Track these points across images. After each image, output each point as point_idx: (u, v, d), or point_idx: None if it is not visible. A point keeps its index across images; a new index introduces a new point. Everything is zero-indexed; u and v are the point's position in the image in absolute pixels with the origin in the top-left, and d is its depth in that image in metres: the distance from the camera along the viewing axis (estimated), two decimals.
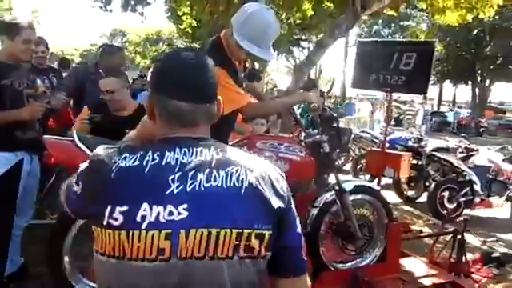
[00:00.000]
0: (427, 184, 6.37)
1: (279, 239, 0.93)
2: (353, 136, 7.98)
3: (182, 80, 0.94)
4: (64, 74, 3.96)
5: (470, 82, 26.38)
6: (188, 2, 9.32)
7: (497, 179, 6.08)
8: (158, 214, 0.84)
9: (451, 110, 24.09)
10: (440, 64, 24.40)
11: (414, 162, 6.09)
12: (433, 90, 30.11)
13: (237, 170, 0.90)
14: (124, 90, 2.77)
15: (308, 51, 13.45)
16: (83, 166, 0.95)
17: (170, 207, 0.85)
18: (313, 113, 2.54)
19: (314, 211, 2.72)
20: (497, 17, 17.67)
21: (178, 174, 0.87)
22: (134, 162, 0.89)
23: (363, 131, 8.63)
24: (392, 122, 10.90)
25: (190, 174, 0.88)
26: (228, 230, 0.86)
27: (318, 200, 2.75)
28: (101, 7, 8.71)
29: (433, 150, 6.47)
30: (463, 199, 5.79)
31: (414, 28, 24.11)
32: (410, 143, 6.61)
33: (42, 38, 3.77)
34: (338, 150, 2.84)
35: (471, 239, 4.50)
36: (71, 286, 2.16)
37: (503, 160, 6.42)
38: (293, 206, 0.98)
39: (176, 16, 13.16)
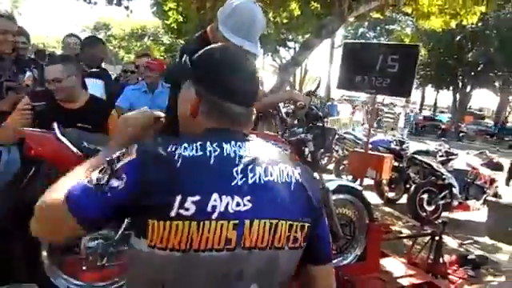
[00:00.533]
0: (407, 186, 6.48)
1: (314, 229, 0.99)
2: (336, 137, 8.08)
3: (238, 85, 0.96)
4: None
5: (451, 88, 26.92)
6: None
7: (474, 183, 6.23)
8: (227, 204, 0.86)
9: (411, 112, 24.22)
10: (423, 68, 24.82)
11: (396, 164, 6.19)
12: (415, 94, 30.66)
13: (285, 167, 0.96)
14: (72, 78, 2.48)
15: (294, 51, 13.50)
16: (128, 158, 0.88)
17: (237, 198, 0.87)
18: (299, 111, 2.55)
19: None
20: (480, 24, 18.05)
21: (240, 167, 0.90)
22: (196, 152, 0.88)
23: (346, 132, 8.72)
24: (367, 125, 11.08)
25: (250, 168, 0.91)
26: (284, 222, 0.91)
27: None
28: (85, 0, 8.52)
29: (414, 153, 6.59)
30: (442, 202, 5.91)
31: (399, 32, 24.47)
32: (392, 145, 6.71)
33: (22, 29, 3.68)
34: (322, 150, 2.85)
35: (448, 241, 4.61)
36: (49, 280, 2.12)
37: (481, 164, 6.59)
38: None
39: (162, 11, 12.98)
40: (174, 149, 0.88)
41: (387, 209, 6.25)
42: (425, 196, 5.86)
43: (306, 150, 2.81)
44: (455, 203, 5.98)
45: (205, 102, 0.96)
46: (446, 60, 24.25)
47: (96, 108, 2.61)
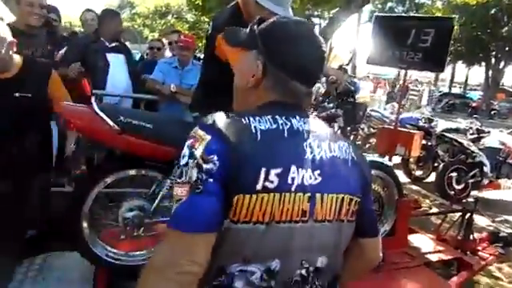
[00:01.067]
0: (436, 164, 6.38)
1: (364, 203, 1.01)
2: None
3: (308, 65, 0.96)
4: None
5: (483, 64, 25.87)
6: None
7: (506, 161, 6.07)
8: (303, 177, 0.88)
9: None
10: (453, 44, 23.89)
11: (424, 142, 6.07)
12: (445, 71, 29.65)
13: (343, 144, 0.99)
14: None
15: (319, 28, 13.22)
16: (203, 142, 0.85)
17: (309, 171, 0.89)
18: (330, 86, 2.52)
19: None
20: None
21: (308, 141, 0.92)
22: (271, 125, 0.89)
23: (373, 110, 8.57)
24: (395, 103, 10.74)
25: (316, 143, 0.93)
26: (346, 196, 0.95)
27: None
28: None
29: (443, 131, 6.45)
30: (471, 180, 5.80)
31: (429, 6, 23.54)
32: (421, 123, 6.59)
33: (54, 6, 3.71)
34: (351, 126, 2.83)
35: (478, 219, 4.54)
36: (89, 247, 2.22)
37: None
38: None
39: None
40: (250, 122, 0.88)
41: (414, 187, 6.19)
42: (454, 174, 5.76)
43: (336, 125, 2.80)
44: (485, 182, 5.86)
45: (270, 76, 0.95)
46: (479, 35, 23.24)
47: (33, 73, 2.33)
